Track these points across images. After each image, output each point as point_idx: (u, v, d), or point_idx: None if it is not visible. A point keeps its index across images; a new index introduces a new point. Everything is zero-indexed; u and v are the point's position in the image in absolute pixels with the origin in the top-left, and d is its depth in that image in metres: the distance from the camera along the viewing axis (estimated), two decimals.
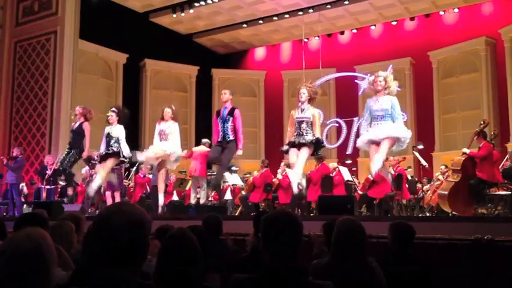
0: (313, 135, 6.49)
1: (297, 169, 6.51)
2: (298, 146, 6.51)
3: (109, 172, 7.72)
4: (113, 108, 7.96)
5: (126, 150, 7.61)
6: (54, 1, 12.14)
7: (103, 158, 7.60)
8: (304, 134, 6.47)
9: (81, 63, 13.07)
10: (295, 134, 6.56)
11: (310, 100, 6.64)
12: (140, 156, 7.75)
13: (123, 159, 7.62)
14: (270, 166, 10.53)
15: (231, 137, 7.08)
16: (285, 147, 6.79)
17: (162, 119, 7.59)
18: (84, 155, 7.87)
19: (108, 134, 7.61)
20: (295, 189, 6.63)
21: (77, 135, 7.94)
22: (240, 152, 7.27)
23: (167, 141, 7.43)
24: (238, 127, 7.14)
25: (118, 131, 7.59)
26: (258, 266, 1.96)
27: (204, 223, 3.64)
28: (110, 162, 7.57)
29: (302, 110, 6.59)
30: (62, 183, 10.03)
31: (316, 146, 6.57)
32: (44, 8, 12.31)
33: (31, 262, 1.33)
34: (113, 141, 7.53)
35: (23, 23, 12.64)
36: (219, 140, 7.16)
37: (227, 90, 7.52)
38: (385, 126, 6.08)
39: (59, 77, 11.75)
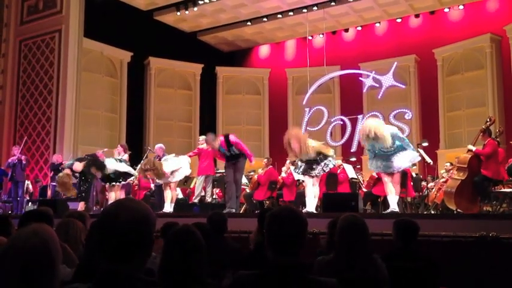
0: (327, 163, 6.60)
1: (315, 192, 6.61)
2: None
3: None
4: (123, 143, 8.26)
5: (131, 171, 8.00)
6: (59, 0, 12.18)
7: (114, 180, 7.84)
8: (315, 160, 6.60)
9: (85, 61, 13.10)
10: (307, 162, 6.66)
11: (301, 149, 6.64)
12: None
13: (131, 177, 7.88)
14: (274, 164, 10.53)
15: (237, 152, 7.46)
16: (299, 170, 6.86)
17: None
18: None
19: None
20: (314, 211, 6.66)
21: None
22: (253, 162, 7.73)
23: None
24: (242, 148, 7.52)
25: (110, 167, 7.78)
26: (263, 263, 1.96)
27: (208, 221, 3.64)
28: (119, 188, 7.85)
29: (305, 157, 6.64)
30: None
31: None
32: (49, 6, 12.35)
33: (38, 258, 1.33)
34: (115, 176, 7.77)
35: (27, 22, 12.69)
36: (226, 159, 7.49)
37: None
38: (395, 157, 6.09)
39: (63, 76, 11.79)
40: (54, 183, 9.73)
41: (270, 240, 1.92)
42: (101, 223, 1.48)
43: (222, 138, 7.55)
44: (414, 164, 10.81)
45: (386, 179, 6.20)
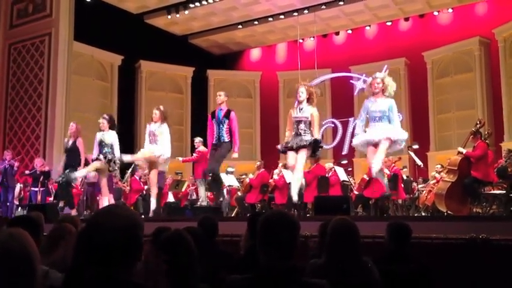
0: (312, 135, 6.39)
1: (297, 175, 6.37)
2: (297, 149, 6.36)
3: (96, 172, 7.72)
4: (104, 115, 8.00)
5: (119, 154, 7.66)
6: (48, 3, 12.10)
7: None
8: (303, 134, 6.34)
9: (75, 65, 13.03)
10: (293, 134, 6.43)
11: (309, 99, 6.54)
12: (126, 157, 7.79)
13: (115, 166, 7.63)
14: (265, 167, 10.54)
15: (226, 139, 7.07)
16: (282, 148, 6.68)
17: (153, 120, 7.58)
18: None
19: (101, 140, 7.63)
20: (295, 198, 6.41)
21: (72, 153, 7.89)
22: (235, 155, 7.26)
23: (156, 143, 7.38)
24: (234, 129, 7.10)
25: (111, 138, 7.61)
26: (254, 267, 1.96)
27: (199, 225, 3.62)
28: (104, 179, 7.66)
29: (300, 110, 6.46)
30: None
31: (315, 146, 6.43)
32: (38, 10, 12.27)
33: (17, 261, 1.33)
34: (106, 148, 7.55)
35: (17, 25, 12.59)
36: (213, 142, 7.13)
37: (222, 92, 7.50)
38: (382, 127, 6.05)
39: (53, 79, 11.71)
40: (36, 188, 9.65)
41: (262, 244, 1.92)
42: (88, 231, 1.48)
43: (226, 108, 7.20)
44: (405, 166, 10.94)
45: (370, 154, 6.09)
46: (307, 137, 6.32)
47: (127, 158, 7.81)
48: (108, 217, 1.48)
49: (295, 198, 6.40)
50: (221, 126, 7.09)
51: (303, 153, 6.37)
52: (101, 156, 7.58)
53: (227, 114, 7.11)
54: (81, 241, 1.99)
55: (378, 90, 6.19)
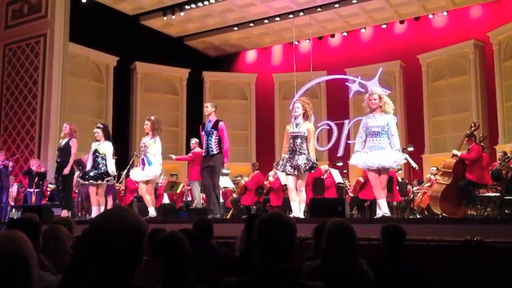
0: (307, 150, 6.40)
1: (302, 196, 6.39)
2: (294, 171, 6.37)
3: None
4: (99, 125, 7.98)
5: (111, 167, 7.64)
6: (44, 4, 12.07)
7: (92, 179, 7.57)
8: (298, 149, 6.37)
9: (71, 66, 12.99)
10: (289, 150, 6.45)
11: (305, 115, 6.55)
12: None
13: (109, 177, 7.63)
14: (261, 168, 10.54)
15: (215, 151, 7.04)
16: (280, 167, 6.68)
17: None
18: (66, 171, 7.70)
19: (96, 150, 7.63)
20: (302, 216, 6.42)
21: (64, 152, 7.83)
22: (226, 166, 7.27)
23: (146, 155, 7.35)
24: (223, 141, 7.10)
25: (105, 148, 7.60)
26: (249, 269, 1.96)
27: (194, 227, 3.62)
28: (102, 189, 7.64)
29: (297, 125, 6.48)
30: (51, 186, 9.97)
31: (309, 167, 6.45)
32: (34, 10, 12.24)
33: (14, 264, 1.32)
34: (99, 159, 7.56)
35: (12, 26, 12.55)
36: (203, 154, 7.15)
37: (209, 103, 7.50)
38: (380, 143, 6.01)
39: (48, 80, 11.67)
40: (31, 189, 9.59)
41: (259, 246, 1.92)
42: (92, 233, 1.48)
43: (215, 119, 7.19)
44: (400, 169, 10.96)
45: (373, 180, 6.13)
46: (301, 158, 6.31)
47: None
48: (113, 220, 1.47)
49: (301, 216, 6.37)
50: (209, 137, 7.08)
51: (302, 177, 6.39)
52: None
53: (215, 125, 7.11)
54: (83, 242, 1.98)
55: (375, 106, 6.18)
